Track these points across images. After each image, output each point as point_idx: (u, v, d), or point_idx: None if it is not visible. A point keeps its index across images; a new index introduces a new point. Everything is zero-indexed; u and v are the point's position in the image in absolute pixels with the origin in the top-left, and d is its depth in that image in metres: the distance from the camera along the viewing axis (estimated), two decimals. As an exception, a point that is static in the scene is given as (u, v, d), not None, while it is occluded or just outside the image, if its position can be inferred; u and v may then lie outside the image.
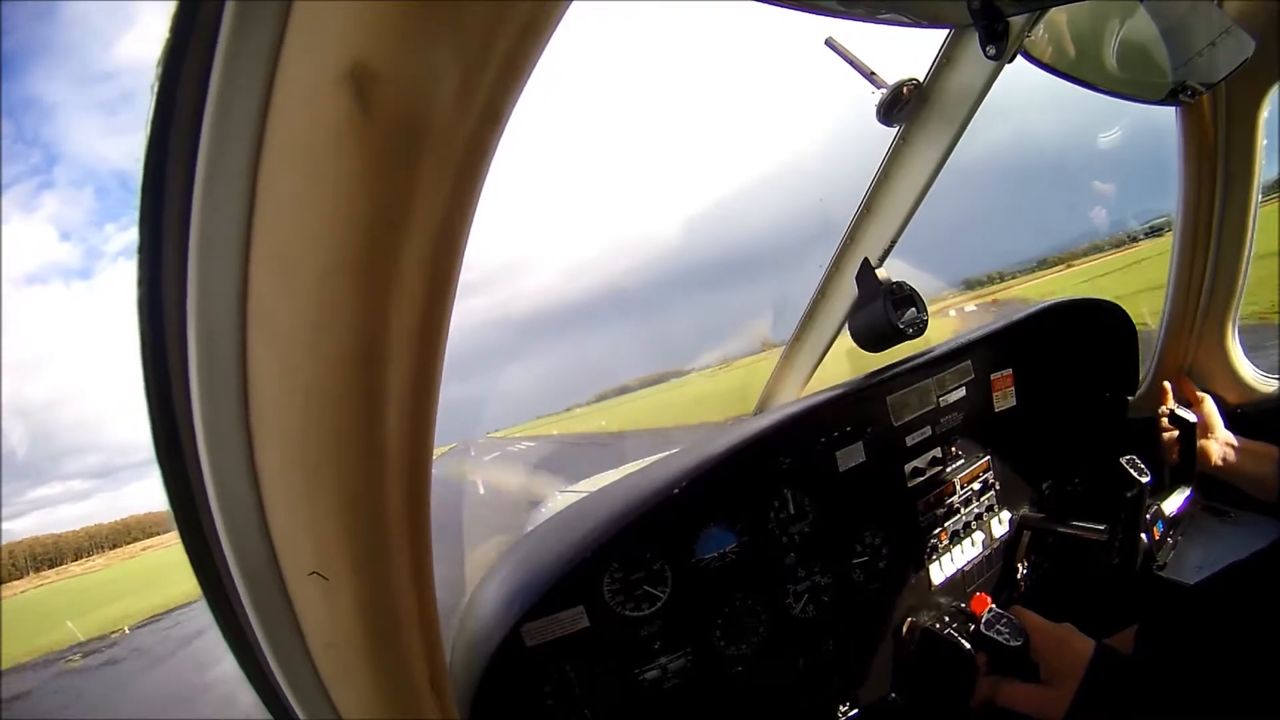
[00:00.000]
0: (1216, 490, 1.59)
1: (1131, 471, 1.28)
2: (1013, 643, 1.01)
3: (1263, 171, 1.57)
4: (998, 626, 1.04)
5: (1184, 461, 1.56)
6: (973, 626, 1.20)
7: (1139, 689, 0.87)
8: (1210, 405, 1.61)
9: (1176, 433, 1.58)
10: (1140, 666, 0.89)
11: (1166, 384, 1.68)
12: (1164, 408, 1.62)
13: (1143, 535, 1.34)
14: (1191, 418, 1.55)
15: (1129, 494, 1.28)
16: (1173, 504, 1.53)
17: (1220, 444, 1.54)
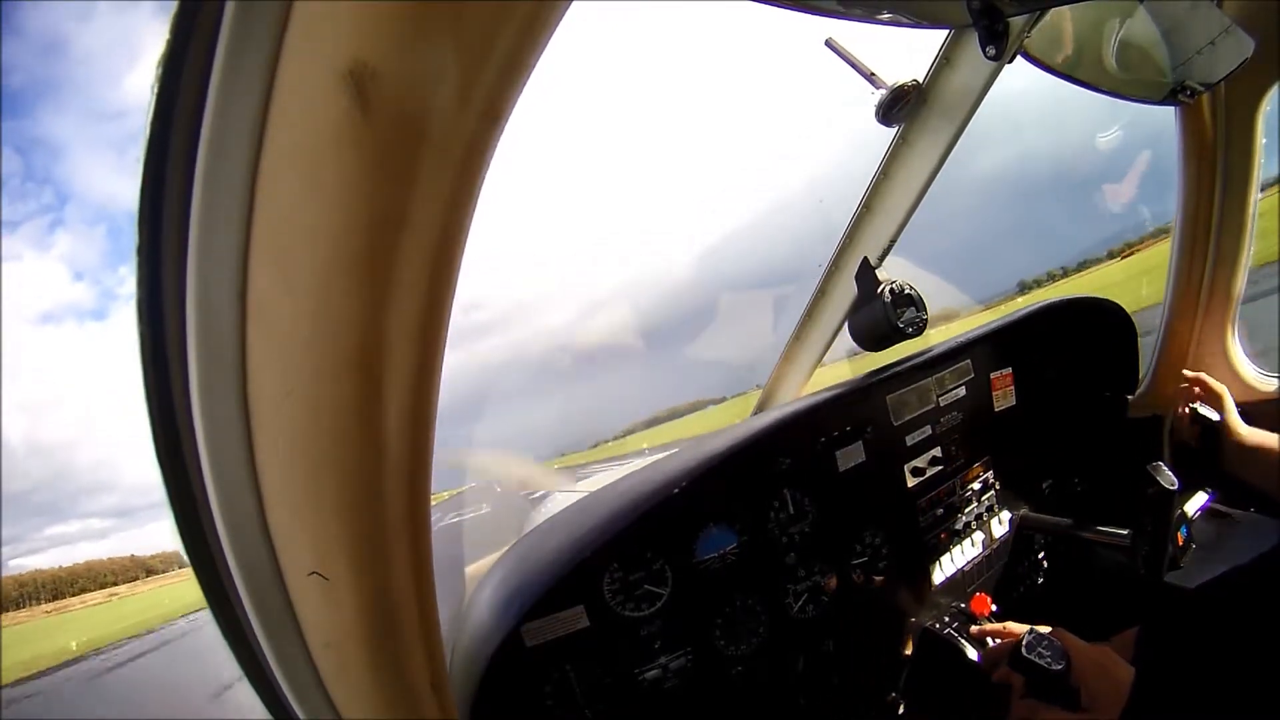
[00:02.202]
0: (1219, 493, 1.58)
1: (1160, 480, 1.22)
2: (1054, 666, 0.96)
3: (1262, 170, 1.56)
4: (1039, 649, 0.99)
5: (1206, 462, 1.51)
6: (974, 627, 1.20)
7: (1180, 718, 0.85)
8: (1229, 401, 1.54)
9: (1198, 431, 1.52)
10: (1181, 696, 0.87)
11: (1186, 374, 1.61)
12: (1186, 406, 1.55)
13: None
14: (1214, 416, 1.49)
15: (1155, 500, 1.23)
16: (1193, 506, 1.48)
17: (1239, 440, 1.48)
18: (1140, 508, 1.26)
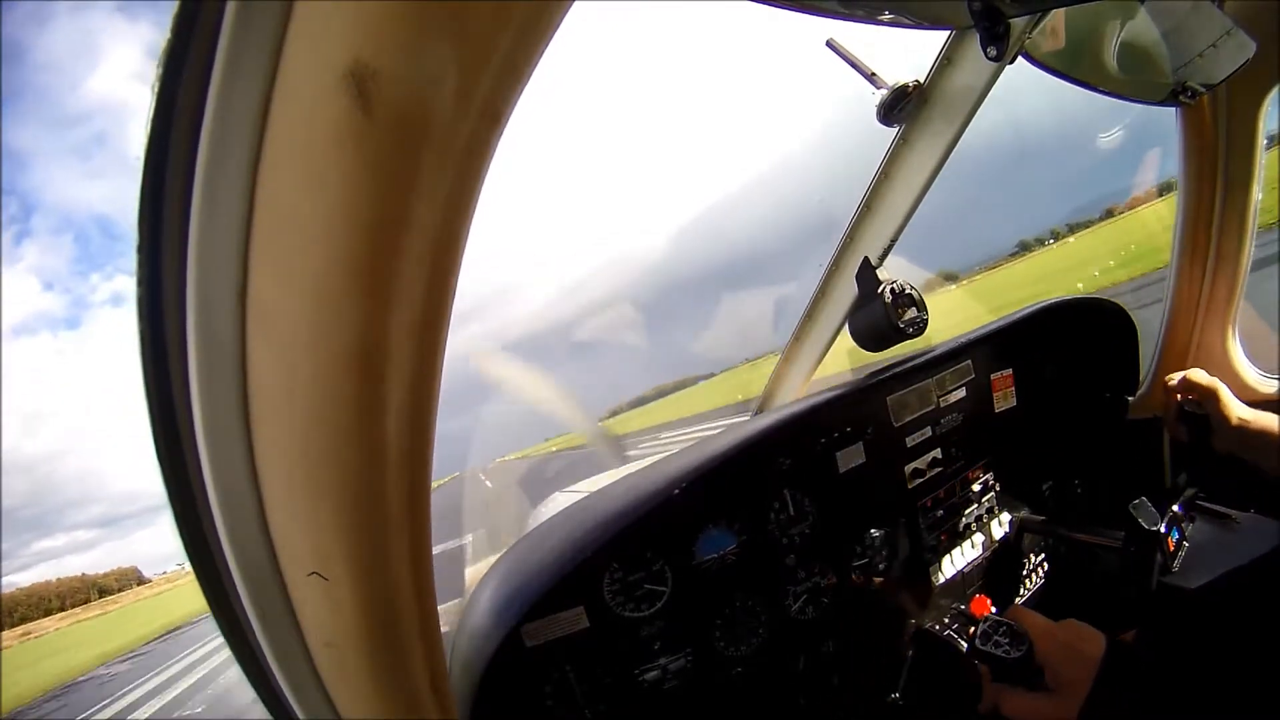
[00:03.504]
0: (1219, 493, 1.58)
1: (1142, 521, 1.22)
2: (1013, 655, 0.94)
3: (1263, 171, 1.56)
4: (995, 638, 0.96)
5: (1200, 457, 1.50)
6: (972, 629, 1.20)
7: (1151, 699, 0.84)
8: (1224, 392, 1.49)
9: (1187, 428, 1.52)
10: (1152, 676, 0.86)
11: (1173, 379, 1.57)
12: (1175, 401, 1.56)
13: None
14: (1199, 410, 1.47)
15: (1142, 536, 1.23)
16: (1180, 505, 1.49)
17: (1239, 420, 1.44)
18: (1125, 516, 1.25)
